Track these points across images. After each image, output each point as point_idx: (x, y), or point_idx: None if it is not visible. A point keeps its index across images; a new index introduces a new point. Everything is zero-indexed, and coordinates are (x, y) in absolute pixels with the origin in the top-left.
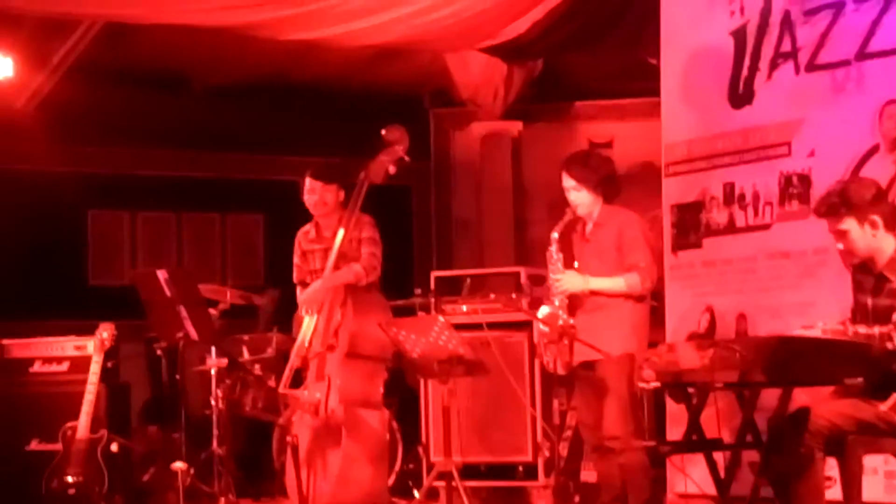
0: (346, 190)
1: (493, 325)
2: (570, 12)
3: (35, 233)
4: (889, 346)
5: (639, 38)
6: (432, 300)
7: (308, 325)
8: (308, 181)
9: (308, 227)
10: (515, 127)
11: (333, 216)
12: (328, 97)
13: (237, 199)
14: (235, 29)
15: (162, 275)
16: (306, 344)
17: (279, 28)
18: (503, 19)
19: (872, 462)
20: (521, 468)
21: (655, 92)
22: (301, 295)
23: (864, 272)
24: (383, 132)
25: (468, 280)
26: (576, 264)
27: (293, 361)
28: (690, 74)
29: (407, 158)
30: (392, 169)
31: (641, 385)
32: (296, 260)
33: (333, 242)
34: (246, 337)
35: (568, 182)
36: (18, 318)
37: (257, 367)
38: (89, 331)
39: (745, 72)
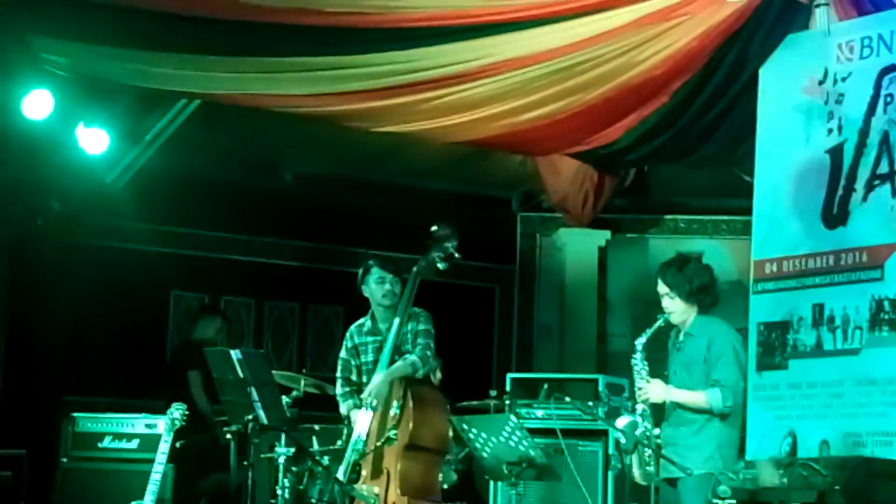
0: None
1: (567, 432)
2: (664, 122)
3: (118, 310)
4: None
5: (734, 153)
6: (507, 402)
7: (366, 419)
8: (378, 271)
9: (363, 320)
10: (603, 236)
11: (391, 309)
12: (417, 193)
13: (319, 289)
14: (328, 118)
15: (236, 355)
16: (364, 438)
17: (371, 119)
18: (597, 124)
19: None
20: None
21: (748, 210)
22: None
23: None
24: (434, 229)
25: (545, 385)
26: (666, 373)
27: (351, 456)
28: (784, 191)
29: (457, 255)
30: (442, 265)
31: (716, 502)
32: (343, 354)
33: (388, 334)
34: (317, 427)
35: (661, 288)
36: (97, 394)
37: (326, 458)
38: (164, 411)
39: (840, 191)
